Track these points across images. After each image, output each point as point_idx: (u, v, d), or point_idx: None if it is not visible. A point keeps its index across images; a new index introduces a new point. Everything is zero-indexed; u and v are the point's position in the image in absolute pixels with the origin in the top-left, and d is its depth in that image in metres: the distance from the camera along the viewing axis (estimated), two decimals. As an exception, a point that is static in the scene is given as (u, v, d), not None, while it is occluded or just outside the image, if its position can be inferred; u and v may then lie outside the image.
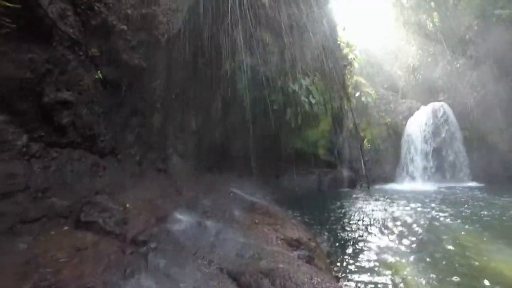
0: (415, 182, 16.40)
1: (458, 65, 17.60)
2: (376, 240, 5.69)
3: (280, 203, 7.58)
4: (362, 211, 8.42)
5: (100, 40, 4.81)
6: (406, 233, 6.08)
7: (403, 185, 15.61)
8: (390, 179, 17.17)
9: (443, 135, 16.79)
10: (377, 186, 15.15)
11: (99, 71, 4.75)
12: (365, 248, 5.21)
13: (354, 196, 11.64)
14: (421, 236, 5.92)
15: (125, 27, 5.02)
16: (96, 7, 4.69)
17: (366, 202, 9.92)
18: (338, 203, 9.73)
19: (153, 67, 5.38)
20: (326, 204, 9.65)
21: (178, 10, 5.86)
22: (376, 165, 17.69)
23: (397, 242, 5.56)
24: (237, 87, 7.82)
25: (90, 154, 4.68)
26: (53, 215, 3.71)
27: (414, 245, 5.38)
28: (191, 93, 6.85)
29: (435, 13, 18.90)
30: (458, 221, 7.10)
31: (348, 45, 15.56)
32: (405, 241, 5.57)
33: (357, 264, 4.55)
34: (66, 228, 3.64)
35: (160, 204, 4.82)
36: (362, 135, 17.80)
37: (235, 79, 7.78)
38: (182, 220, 4.28)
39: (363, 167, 15.68)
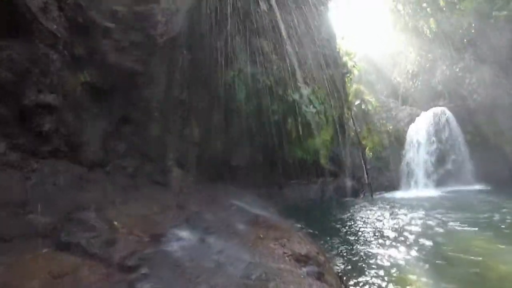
0: (418, 189, 16.02)
1: (457, 69, 17.45)
2: (385, 251, 5.45)
3: (284, 215, 7.38)
4: (367, 221, 8.22)
5: (86, 40, 4.42)
6: (415, 243, 5.86)
7: (406, 192, 15.25)
8: (393, 186, 16.83)
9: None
10: (380, 195, 14.89)
11: (85, 73, 4.36)
12: (375, 261, 4.98)
13: (358, 205, 11.44)
14: (431, 245, 5.70)
15: (111, 25, 4.59)
16: (81, 3, 4.28)
17: (371, 212, 9.72)
18: (343, 213, 9.53)
19: (149, 72, 4.99)
20: (330, 215, 9.47)
21: (178, 11, 5.45)
22: (378, 173, 17.37)
23: (407, 252, 5.34)
24: (238, 96, 7.61)
25: (76, 166, 4.27)
26: (31, 234, 3.30)
27: (425, 255, 5.15)
28: (192, 102, 6.58)
29: (431, 19, 18.83)
30: (468, 227, 6.90)
31: (347, 53, 15.47)
32: (415, 251, 5.34)
33: (367, 279, 4.33)
34: (45, 250, 3.19)
35: (157, 220, 4.43)
36: (364, 143, 17.57)
37: (236, 88, 7.58)
38: (182, 237, 3.93)
39: (366, 175, 15.40)
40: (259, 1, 7.99)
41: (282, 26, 9.26)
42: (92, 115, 4.53)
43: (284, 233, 4.51)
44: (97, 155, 4.57)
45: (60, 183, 3.92)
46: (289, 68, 9.30)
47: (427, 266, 4.70)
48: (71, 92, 4.21)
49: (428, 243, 5.81)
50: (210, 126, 7.50)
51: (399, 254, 5.23)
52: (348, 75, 15.12)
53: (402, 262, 4.87)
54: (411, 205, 10.70)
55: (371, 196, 14.15)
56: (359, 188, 14.50)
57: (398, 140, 18.18)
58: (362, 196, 14.21)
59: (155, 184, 5.63)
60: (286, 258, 3.68)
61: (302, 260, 3.82)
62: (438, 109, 17.39)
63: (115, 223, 3.90)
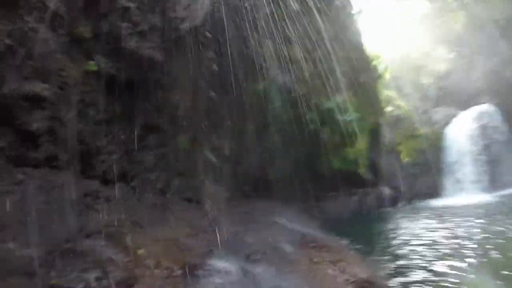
0: (464, 195, 14.48)
1: (497, 64, 16.43)
2: (445, 269, 4.66)
3: (326, 230, 6.79)
4: (415, 232, 7.51)
5: (95, 18, 3.59)
6: (475, 256, 5.02)
7: (451, 199, 14.11)
8: (434, 193, 15.75)
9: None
10: (420, 203, 14.04)
11: (95, 61, 3.52)
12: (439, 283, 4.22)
13: (399, 215, 10.86)
14: (500, 261, 4.89)
15: (131, 5, 3.78)
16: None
17: (414, 222, 9.09)
18: (386, 225, 9.01)
19: (171, 67, 4.30)
20: (374, 227, 9.00)
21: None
22: (415, 180, 16.40)
23: (468, 270, 4.53)
24: (271, 106, 7.21)
25: (83, 179, 3.37)
26: (10, 270, 2.33)
27: (495, 274, 4.26)
28: (222, 112, 6.11)
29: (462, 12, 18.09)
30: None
31: (376, 57, 14.93)
32: (480, 268, 4.55)
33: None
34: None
35: (189, 245, 3.71)
36: (398, 150, 16.87)
37: (268, 98, 7.18)
38: (221, 268, 3.15)
39: (402, 183, 14.67)
40: (293, 5, 7.56)
41: (311, 31, 8.90)
42: (106, 117, 3.69)
43: (339, 255, 3.98)
44: (116, 166, 3.76)
45: (57, 202, 3.03)
46: (321, 75, 8.91)
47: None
48: (72, 83, 3.35)
49: (494, 257, 4.98)
50: (244, 139, 7.10)
51: (461, 272, 4.46)
52: (379, 80, 14.56)
53: (468, 281, 4.14)
54: (457, 213, 9.82)
55: (409, 204, 13.63)
56: (397, 196, 13.91)
57: (435, 144, 17.22)
58: (400, 205, 13.54)
59: (186, 201, 5.08)
60: (349, 286, 3.11)
61: (366, 287, 3.26)
62: (480, 107, 16.38)
63: (140, 251, 3.11)
